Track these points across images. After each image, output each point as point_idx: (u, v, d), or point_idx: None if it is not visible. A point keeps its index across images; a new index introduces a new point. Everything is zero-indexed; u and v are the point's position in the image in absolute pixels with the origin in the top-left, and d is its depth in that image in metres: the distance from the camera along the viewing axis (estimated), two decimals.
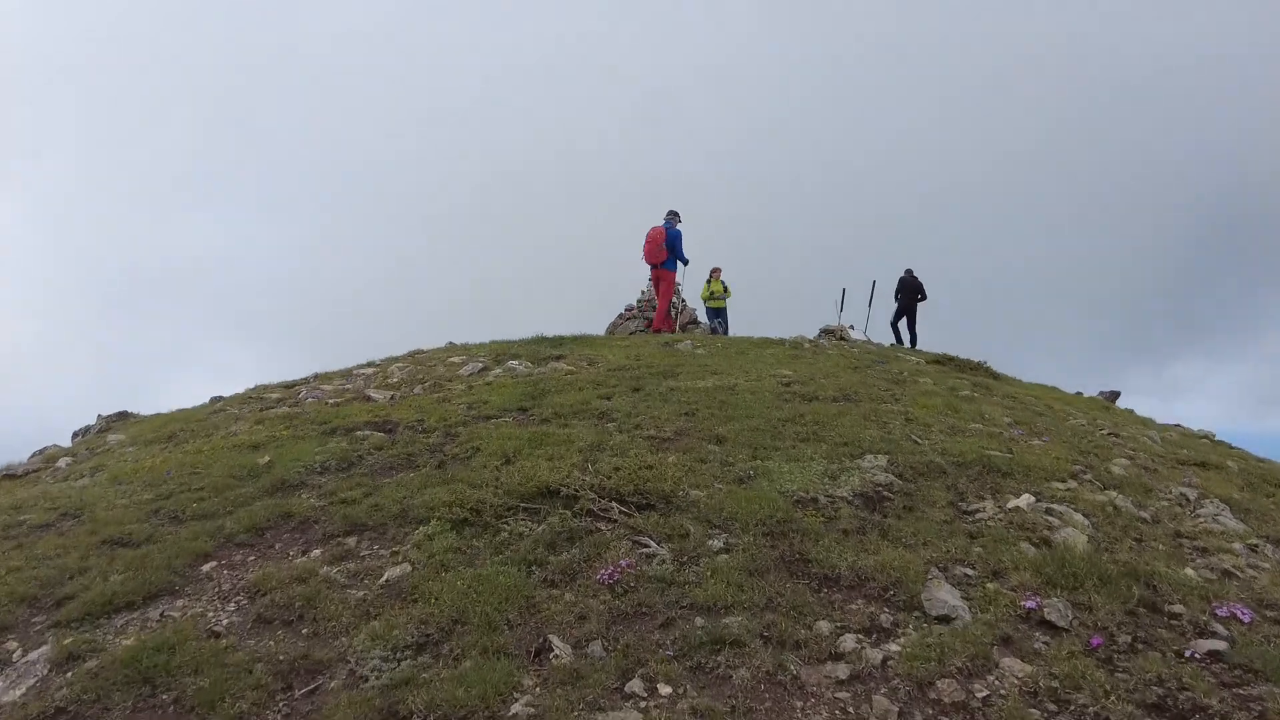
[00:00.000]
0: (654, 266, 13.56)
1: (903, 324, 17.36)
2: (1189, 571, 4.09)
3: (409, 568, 3.99)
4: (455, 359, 12.19)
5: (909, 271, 17.39)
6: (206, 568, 4.30)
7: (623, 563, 3.74)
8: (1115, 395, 17.09)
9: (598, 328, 19.30)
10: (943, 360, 13.71)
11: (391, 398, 9.39)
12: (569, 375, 9.09)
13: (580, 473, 4.52)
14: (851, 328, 18.13)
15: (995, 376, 13.39)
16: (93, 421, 12.39)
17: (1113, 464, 6.23)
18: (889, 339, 17.38)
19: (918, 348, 16.57)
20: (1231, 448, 10.23)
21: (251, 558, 4.43)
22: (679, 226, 13.39)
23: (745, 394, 7.36)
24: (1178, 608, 3.65)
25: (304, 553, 4.35)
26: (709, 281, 16.32)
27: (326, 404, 9.43)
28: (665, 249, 13.11)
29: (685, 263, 13.90)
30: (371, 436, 6.41)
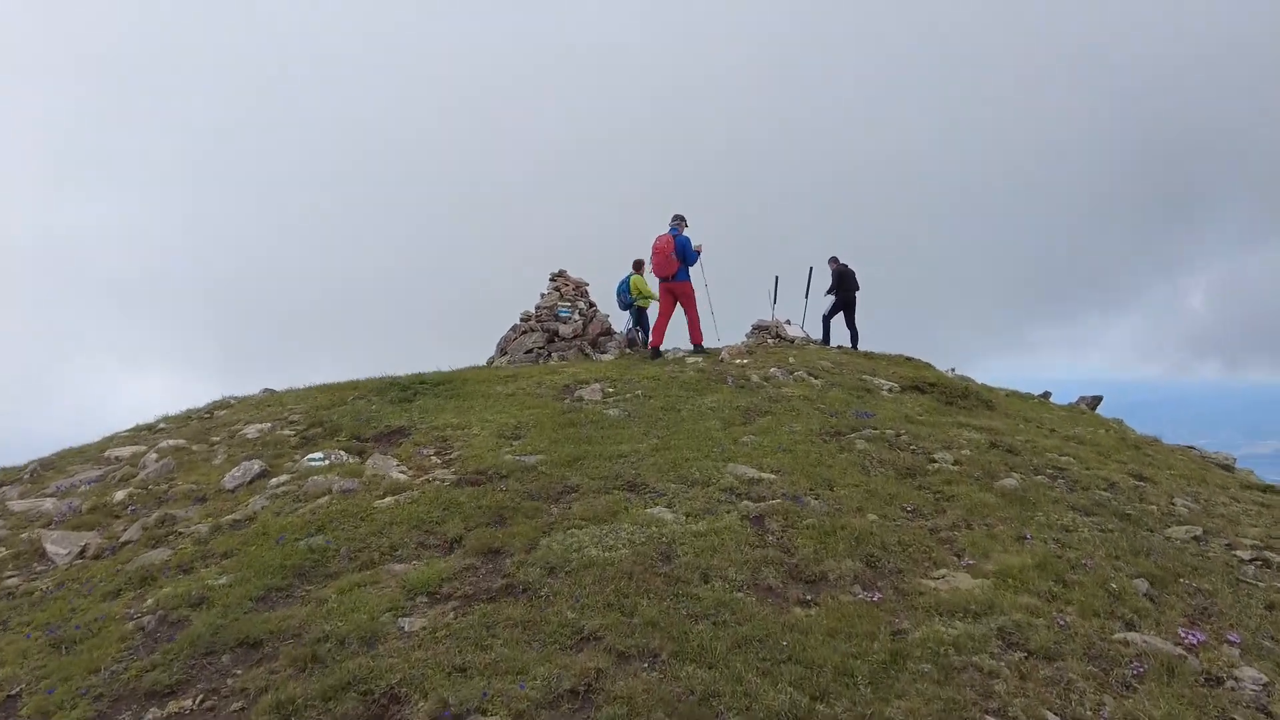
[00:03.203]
0: (664, 280, 11.55)
1: (838, 320, 14.51)
2: None
3: None
4: (251, 432, 8.18)
5: (838, 261, 14.48)
6: None
7: None
8: (1097, 401, 14.82)
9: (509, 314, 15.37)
10: (921, 387, 10.79)
11: (80, 553, 5.44)
12: (386, 501, 5.39)
13: None
14: (788, 323, 15.51)
15: (989, 405, 10.58)
16: None
17: None
18: (820, 333, 14.77)
19: (859, 346, 13.84)
20: None
21: None
22: (686, 231, 11.67)
23: (693, 576, 3.93)
24: None
25: None
26: (630, 278, 13.31)
27: None
28: (676, 259, 11.30)
29: (696, 259, 12.10)
30: None
